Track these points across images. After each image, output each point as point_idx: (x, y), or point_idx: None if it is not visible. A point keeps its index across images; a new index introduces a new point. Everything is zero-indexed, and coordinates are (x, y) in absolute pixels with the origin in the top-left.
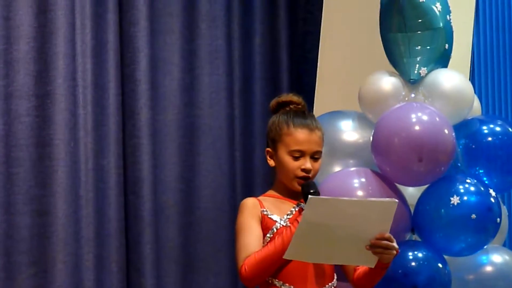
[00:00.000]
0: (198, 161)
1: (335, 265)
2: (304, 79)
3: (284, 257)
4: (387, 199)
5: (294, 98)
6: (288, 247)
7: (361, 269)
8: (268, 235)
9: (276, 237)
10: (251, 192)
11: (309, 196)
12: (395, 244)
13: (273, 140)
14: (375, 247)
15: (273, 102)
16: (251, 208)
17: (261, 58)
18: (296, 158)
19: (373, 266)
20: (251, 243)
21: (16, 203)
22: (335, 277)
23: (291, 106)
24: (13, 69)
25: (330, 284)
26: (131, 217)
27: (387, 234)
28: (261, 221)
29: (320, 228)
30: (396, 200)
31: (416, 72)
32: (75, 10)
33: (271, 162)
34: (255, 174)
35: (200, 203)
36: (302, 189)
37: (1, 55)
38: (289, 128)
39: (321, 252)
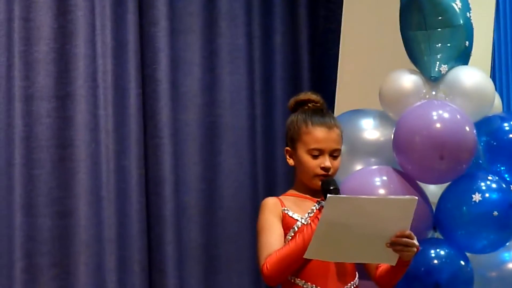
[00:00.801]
0: (219, 161)
1: (357, 264)
2: (325, 78)
3: (305, 256)
4: (407, 196)
5: (313, 96)
6: (308, 246)
7: (383, 266)
8: (289, 234)
9: (297, 235)
10: (273, 191)
11: (328, 195)
12: (415, 242)
13: (292, 139)
14: (396, 244)
15: (292, 101)
16: (272, 207)
17: (281, 57)
18: (315, 157)
19: (394, 264)
20: (273, 242)
21: (38, 205)
22: (357, 275)
23: (309, 104)
24: (34, 70)
25: (352, 282)
26: (153, 217)
27: (408, 232)
28: (282, 220)
29: (339, 227)
30: (416, 198)
31: (436, 69)
32: (95, 11)
33: (291, 161)
34: (277, 174)
35: (222, 203)
36: (322, 186)
37: (22, 57)
38: (307, 127)
39: (342, 250)
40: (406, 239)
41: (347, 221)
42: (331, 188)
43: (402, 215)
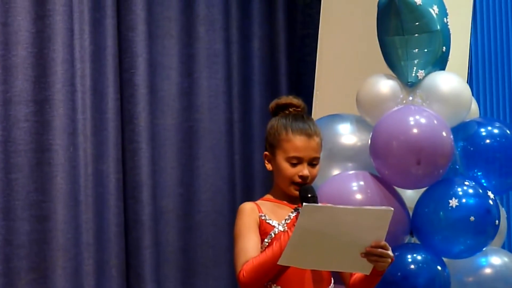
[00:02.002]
0: (197, 165)
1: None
2: (302, 83)
3: (279, 263)
4: (383, 207)
5: (294, 100)
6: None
7: (357, 275)
8: (266, 240)
9: (274, 243)
10: (251, 196)
11: (304, 204)
12: (390, 252)
13: (271, 145)
14: (370, 254)
15: (273, 103)
16: (249, 213)
17: (259, 62)
18: (293, 165)
19: (368, 273)
20: (249, 248)
21: (16, 209)
22: (332, 281)
23: (290, 109)
24: (12, 74)
25: None
26: (131, 221)
27: (383, 242)
28: (259, 226)
29: (315, 235)
30: (392, 209)
31: (413, 75)
32: (73, 16)
33: (269, 166)
34: (255, 178)
35: (199, 207)
36: (300, 193)
37: (0, 61)
38: (287, 134)
39: (316, 258)
40: (381, 250)
41: (323, 229)
42: (309, 196)
43: (378, 226)
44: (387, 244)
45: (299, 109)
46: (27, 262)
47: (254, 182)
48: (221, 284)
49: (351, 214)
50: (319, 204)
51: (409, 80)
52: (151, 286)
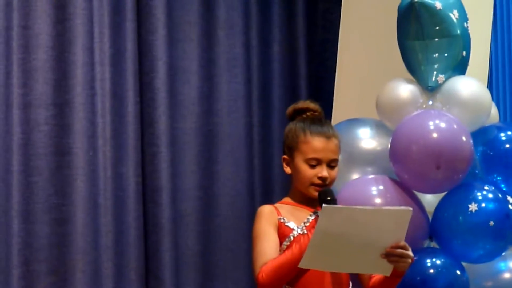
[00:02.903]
0: (216, 169)
1: (351, 273)
2: (322, 87)
3: (300, 265)
4: (402, 207)
5: (311, 105)
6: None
7: (377, 277)
8: (284, 243)
9: (294, 245)
10: (270, 199)
11: (323, 205)
12: (410, 253)
13: (290, 148)
14: (390, 255)
15: (290, 109)
16: (268, 215)
17: (279, 66)
18: (312, 166)
19: (388, 275)
20: (268, 250)
21: (35, 212)
22: (351, 285)
23: (307, 113)
24: (32, 78)
25: None
26: (150, 225)
27: (402, 243)
28: (278, 228)
29: (334, 237)
30: (411, 209)
31: (433, 79)
32: (93, 19)
33: (288, 170)
34: (274, 182)
35: (218, 211)
36: (319, 196)
37: (20, 64)
38: (305, 136)
39: (336, 260)
40: (401, 250)
41: (342, 231)
42: (328, 199)
43: (397, 226)
44: (407, 245)
45: (316, 113)
46: (46, 265)
47: (273, 186)
48: (240, 287)
49: (371, 214)
50: (339, 206)
51: (429, 85)
52: None
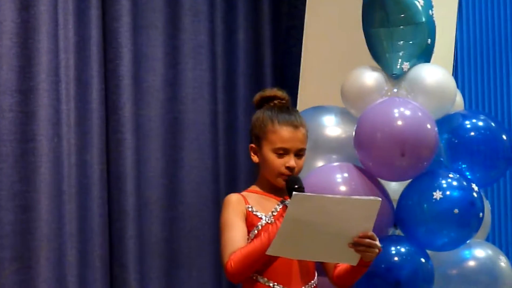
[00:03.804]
0: (181, 156)
1: (316, 262)
2: (287, 74)
3: (267, 253)
4: (371, 197)
5: (278, 93)
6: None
7: (342, 266)
8: (252, 232)
9: (262, 233)
10: (235, 187)
11: (294, 192)
12: (377, 243)
13: (257, 137)
14: (358, 245)
15: (257, 96)
16: (236, 204)
17: (244, 53)
18: (280, 156)
19: (355, 264)
20: (237, 239)
21: (0, 199)
22: (316, 274)
23: (275, 101)
24: None
25: (312, 281)
26: (115, 212)
27: (370, 233)
28: (246, 217)
29: (303, 225)
30: (380, 199)
31: (398, 67)
32: (58, 6)
33: (255, 158)
34: (239, 170)
35: (183, 198)
36: (287, 184)
37: None
38: (273, 125)
39: (304, 249)
40: (369, 240)
41: (311, 219)
42: (296, 186)
43: (366, 216)
44: (375, 235)
45: (284, 101)
46: (10, 252)
47: (238, 174)
48: (205, 275)
49: (340, 203)
50: (309, 193)
51: (394, 72)
52: (135, 276)
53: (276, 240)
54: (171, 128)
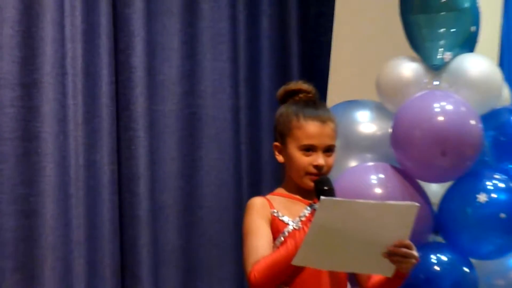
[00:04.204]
0: (200, 156)
1: (348, 273)
2: (316, 66)
3: (293, 263)
4: (408, 202)
5: (304, 86)
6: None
7: (376, 278)
8: (278, 239)
9: (289, 241)
10: (259, 190)
11: (321, 197)
12: (415, 252)
13: (282, 134)
14: (393, 254)
15: (281, 90)
16: (260, 209)
17: (269, 43)
18: (307, 153)
19: (390, 276)
20: (261, 246)
21: (0, 203)
22: (349, 286)
23: (300, 95)
24: None
25: None
26: (126, 217)
27: (407, 241)
28: (271, 223)
29: (332, 232)
30: (418, 204)
31: (439, 57)
32: None
33: (280, 158)
34: (263, 170)
35: (202, 202)
36: (315, 186)
37: None
38: (299, 121)
39: (333, 258)
40: (405, 249)
41: (341, 226)
42: (325, 188)
43: (402, 223)
44: (412, 243)
45: (310, 95)
46: (12, 261)
47: (262, 175)
48: (226, 286)
49: (373, 209)
50: (338, 198)
51: (435, 63)
52: None
53: (303, 249)
54: (189, 125)
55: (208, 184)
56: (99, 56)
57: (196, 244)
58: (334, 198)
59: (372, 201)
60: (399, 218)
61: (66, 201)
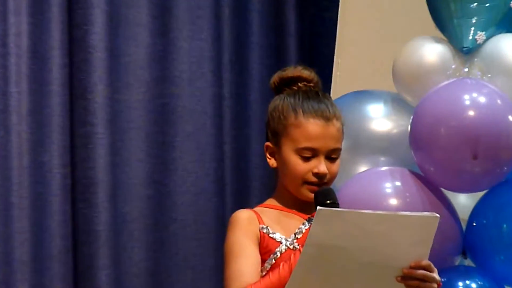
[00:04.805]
0: (173, 157)
1: None
2: (318, 47)
3: None
4: (426, 213)
5: (305, 73)
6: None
7: None
8: (268, 261)
9: (282, 264)
10: (245, 200)
11: (318, 207)
12: (436, 275)
13: (275, 133)
14: (409, 278)
15: (275, 77)
16: (246, 224)
17: (259, 19)
18: (306, 159)
19: None
20: (246, 271)
21: None
22: None
23: (299, 84)
24: None
25: None
26: (81, 233)
27: (425, 261)
28: (260, 241)
29: (333, 252)
30: (438, 215)
31: (470, 38)
32: None
33: (272, 162)
34: (251, 177)
35: (175, 215)
36: (316, 199)
37: None
38: (297, 117)
39: (336, 284)
40: (424, 272)
41: (344, 244)
42: (328, 202)
43: (419, 239)
44: (432, 264)
45: (312, 84)
46: None
47: (250, 182)
48: None
49: (383, 222)
50: (340, 209)
51: (465, 45)
52: None
53: (296, 274)
54: (160, 118)
55: (183, 193)
56: (49, 33)
57: (168, 266)
58: (334, 209)
59: (382, 212)
60: (416, 233)
61: (7, 211)
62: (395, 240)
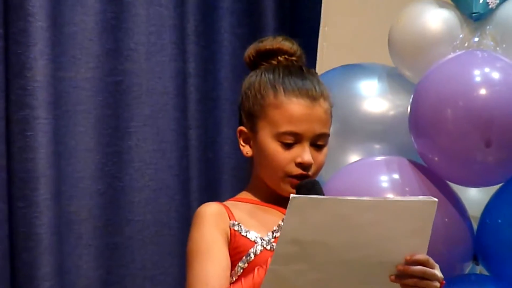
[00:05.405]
0: (128, 146)
1: None
2: (301, 14)
3: None
4: (421, 197)
5: (285, 44)
6: (264, 279)
7: None
8: (241, 263)
9: (256, 269)
10: (214, 197)
11: (291, 195)
12: (437, 272)
13: (250, 115)
14: (405, 276)
15: (251, 50)
16: (214, 220)
17: None
18: (288, 146)
19: None
20: (213, 274)
21: None
22: None
23: (279, 57)
24: None
25: None
26: (20, 236)
27: (423, 256)
28: (230, 240)
29: (312, 249)
30: (436, 199)
31: (481, 1)
32: None
33: (247, 150)
34: (221, 168)
35: (131, 215)
36: (298, 192)
37: None
38: (277, 96)
39: (317, 286)
40: (422, 267)
41: (325, 238)
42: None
43: (415, 228)
44: (431, 259)
45: (294, 58)
46: None
47: (220, 175)
48: None
49: (371, 210)
50: (317, 196)
51: (475, 11)
52: None
53: (270, 276)
54: (112, 100)
55: (141, 188)
56: None
57: (122, 276)
58: (311, 196)
59: (368, 198)
60: (411, 221)
61: None
62: (385, 232)
